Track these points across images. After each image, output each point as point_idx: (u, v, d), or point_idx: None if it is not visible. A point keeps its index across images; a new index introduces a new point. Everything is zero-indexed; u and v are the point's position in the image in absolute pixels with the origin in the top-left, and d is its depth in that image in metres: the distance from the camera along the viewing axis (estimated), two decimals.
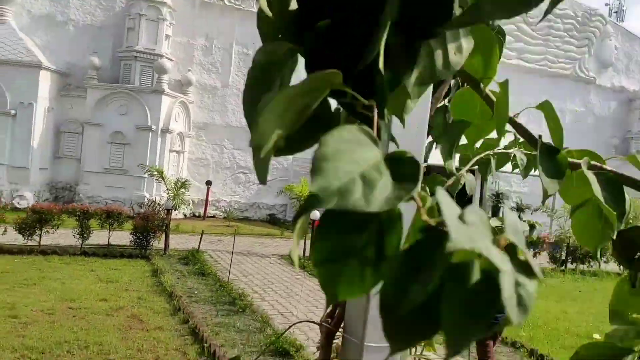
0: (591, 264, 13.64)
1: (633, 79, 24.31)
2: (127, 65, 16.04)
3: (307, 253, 11.68)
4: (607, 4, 43.13)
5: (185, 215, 16.43)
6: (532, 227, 12.32)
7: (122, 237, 10.09)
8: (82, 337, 5.24)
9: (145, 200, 12.95)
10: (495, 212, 21.50)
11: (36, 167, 15.03)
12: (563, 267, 13.16)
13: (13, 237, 9.12)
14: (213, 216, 17.68)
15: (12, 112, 14.55)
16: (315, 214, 11.51)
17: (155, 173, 11.03)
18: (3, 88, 14.39)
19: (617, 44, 23.88)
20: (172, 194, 12.22)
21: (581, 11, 23.06)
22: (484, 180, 20.34)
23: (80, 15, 16.37)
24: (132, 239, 9.69)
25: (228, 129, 18.13)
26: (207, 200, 17.16)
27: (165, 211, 10.17)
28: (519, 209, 20.59)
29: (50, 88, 15.25)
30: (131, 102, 15.43)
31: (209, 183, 16.76)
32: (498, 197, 21.48)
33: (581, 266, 13.59)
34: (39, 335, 5.10)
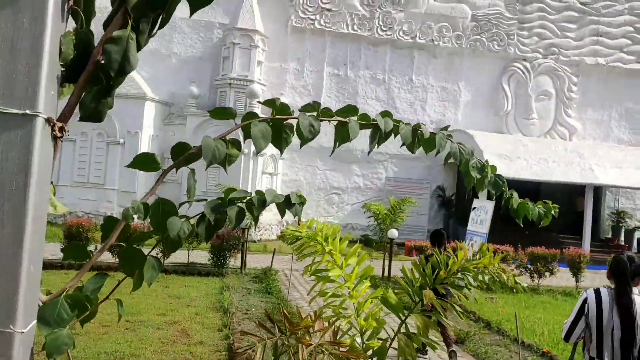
0: None
1: None
2: (222, 92, 16.87)
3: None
4: None
5: (277, 237, 16.74)
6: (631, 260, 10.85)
7: (204, 256, 10.46)
8: (122, 348, 5.44)
9: None
10: (615, 231, 19.45)
11: (142, 191, 16.20)
12: None
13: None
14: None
15: (121, 140, 15.88)
16: (393, 233, 11.12)
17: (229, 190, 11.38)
18: (113, 119, 15.77)
19: None
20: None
21: None
22: (601, 197, 18.58)
23: (182, 48, 17.58)
24: (209, 258, 10.00)
25: (320, 150, 18.28)
26: (299, 220, 17.31)
27: (242, 230, 10.41)
28: None
29: (154, 117, 16.47)
30: (225, 128, 16.10)
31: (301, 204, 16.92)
32: (619, 215, 19.39)
33: None
34: (83, 346, 5.37)
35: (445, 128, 1.85)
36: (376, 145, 1.67)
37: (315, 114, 1.53)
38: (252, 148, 16.04)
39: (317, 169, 18.44)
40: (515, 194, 1.99)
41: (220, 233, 10.30)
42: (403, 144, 1.82)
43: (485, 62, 19.26)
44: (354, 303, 2.75)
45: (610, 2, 19.73)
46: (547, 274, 11.31)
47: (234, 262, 10.34)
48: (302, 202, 1.77)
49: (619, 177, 16.98)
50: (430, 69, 19.02)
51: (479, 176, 1.86)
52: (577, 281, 11.64)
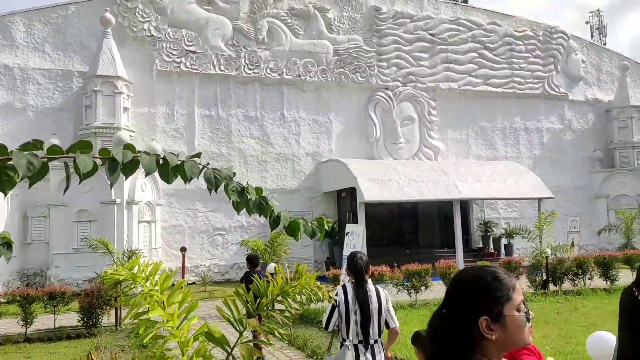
0: (575, 282, 13.05)
1: (606, 89, 24.19)
2: None
3: None
4: (587, 22, 43.77)
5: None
6: None
7: (74, 317, 9.75)
8: None
9: (95, 275, 12.67)
10: (485, 241, 20.96)
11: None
12: (544, 290, 12.56)
13: None
14: (193, 283, 17.30)
15: None
16: (271, 267, 11.14)
17: (100, 245, 10.79)
18: None
19: (583, 57, 23.91)
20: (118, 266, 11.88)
21: (541, 30, 23.23)
22: (468, 210, 19.93)
23: (38, 100, 16.61)
24: (79, 318, 9.35)
25: (199, 192, 17.98)
26: (183, 267, 16.80)
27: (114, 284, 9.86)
28: (508, 235, 20.01)
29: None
30: (94, 179, 15.35)
31: (183, 249, 16.43)
32: (486, 225, 20.97)
33: (565, 285, 13.01)
34: None
35: (198, 155, 1.90)
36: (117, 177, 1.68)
37: (39, 152, 1.51)
38: (125, 197, 15.44)
39: (198, 212, 18.08)
40: (284, 214, 2.11)
41: (90, 289, 9.69)
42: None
43: (352, 92, 20.23)
44: (178, 342, 2.71)
45: (455, 32, 21.69)
46: (422, 288, 11.88)
47: (108, 319, 9.75)
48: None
49: (480, 190, 18.44)
50: (300, 103, 19.59)
51: (238, 199, 1.94)
52: None
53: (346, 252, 10.88)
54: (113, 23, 16.69)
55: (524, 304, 1.57)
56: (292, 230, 2.05)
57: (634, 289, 1.96)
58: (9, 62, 16.38)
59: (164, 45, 17.72)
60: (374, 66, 20.40)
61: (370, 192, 16.98)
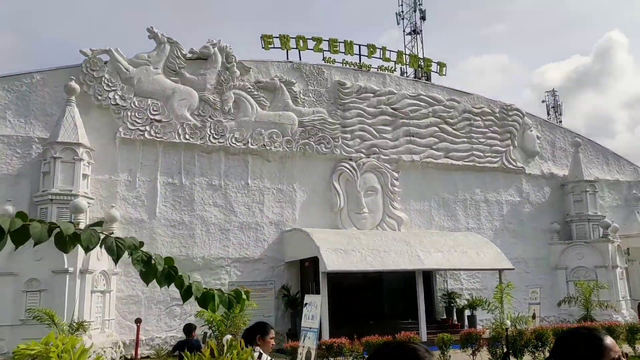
0: (536, 354, 12.97)
1: (561, 164, 25.15)
2: (43, 209, 15.74)
3: None
4: (543, 101, 46.07)
5: None
6: None
7: None
8: None
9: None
10: (449, 312, 20.83)
11: None
12: None
13: None
14: (147, 357, 16.54)
15: None
16: (228, 339, 10.81)
17: (45, 317, 10.27)
18: None
19: (538, 133, 24.97)
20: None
21: (497, 107, 24.32)
22: (432, 280, 19.91)
23: None
24: None
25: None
26: (137, 339, 16.10)
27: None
28: (471, 306, 19.94)
29: None
30: (46, 247, 14.80)
31: (138, 321, 15.78)
32: (449, 296, 20.90)
33: (526, 358, 12.90)
34: None
35: (99, 224, 1.88)
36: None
37: None
38: (79, 266, 14.95)
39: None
40: (197, 284, 2.07)
41: None
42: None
43: (316, 163, 20.51)
44: None
45: (416, 107, 22.52)
46: None
47: None
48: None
49: (442, 260, 18.55)
50: (264, 172, 19.72)
51: (144, 269, 1.91)
52: None
53: (304, 323, 10.64)
54: (78, 91, 16.78)
55: None
56: (206, 301, 2.01)
57: None
58: None
59: (129, 113, 17.83)
60: (338, 138, 20.85)
61: (333, 261, 16.87)
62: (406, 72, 28.24)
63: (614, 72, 71.51)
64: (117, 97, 17.77)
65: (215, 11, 65.65)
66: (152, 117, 18.13)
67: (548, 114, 44.41)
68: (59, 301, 14.35)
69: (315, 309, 10.10)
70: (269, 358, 4.86)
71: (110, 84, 17.77)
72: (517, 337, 12.81)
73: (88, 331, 13.83)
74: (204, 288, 2.08)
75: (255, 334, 4.94)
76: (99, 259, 15.83)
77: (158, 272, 1.95)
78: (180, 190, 18.40)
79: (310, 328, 10.20)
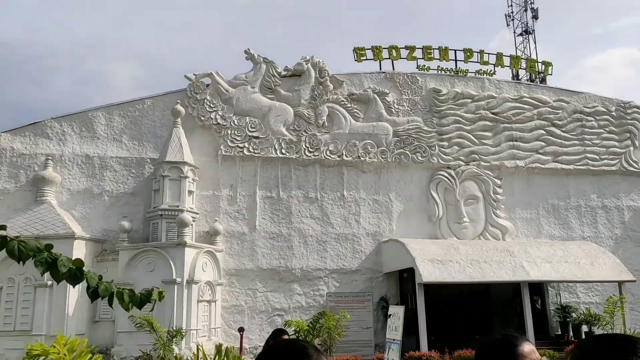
0: None
1: None
2: (155, 224, 17.06)
3: None
4: None
5: None
6: None
7: None
8: None
9: (141, 353, 12.91)
10: (563, 327, 19.36)
11: (72, 333, 15.59)
12: None
13: None
14: None
15: (49, 283, 15.58)
16: None
17: (145, 323, 11.09)
18: None
19: None
20: (159, 345, 12.01)
21: (613, 105, 22.39)
22: (543, 293, 18.71)
23: (114, 186, 17.99)
24: None
25: (259, 272, 18.29)
26: (241, 348, 16.81)
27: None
28: (587, 321, 18.36)
29: (85, 255, 16.34)
30: (158, 259, 16.12)
31: (241, 330, 16.52)
32: (564, 310, 19.42)
33: None
34: None
35: (2, 227, 2.03)
36: None
37: None
38: (186, 276, 15.95)
39: (257, 292, 18.26)
40: (107, 284, 2.18)
41: None
42: None
43: (412, 172, 20.21)
44: None
45: (520, 110, 21.39)
46: None
47: None
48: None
49: (550, 271, 17.33)
50: (360, 183, 19.79)
51: (47, 270, 2.03)
52: None
53: (389, 334, 10.51)
54: (183, 114, 18.06)
55: None
56: (118, 299, 2.11)
57: None
58: (90, 152, 18.04)
59: (229, 132, 18.83)
60: (435, 146, 20.39)
61: (429, 272, 16.45)
62: (516, 76, 26.92)
63: None
64: (218, 117, 18.86)
65: (312, 27, 67.37)
66: (250, 134, 18.99)
67: None
68: (168, 309, 15.43)
69: (399, 320, 9.94)
70: None
71: (211, 105, 18.91)
72: None
73: (193, 338, 14.70)
74: (116, 287, 2.19)
75: (270, 338, 5.49)
76: (204, 270, 16.81)
77: (62, 273, 2.08)
78: (278, 204, 19.02)
79: (393, 340, 10.05)
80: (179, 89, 19.10)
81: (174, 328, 13.35)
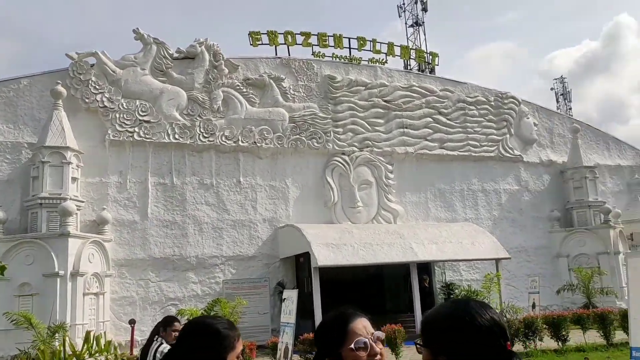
0: (526, 343, 12.80)
1: (559, 151, 24.81)
2: (33, 214, 15.85)
3: None
4: (552, 89, 45.51)
5: None
6: None
7: None
8: None
9: (19, 351, 12.05)
10: None
11: None
12: None
13: None
14: None
15: None
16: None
17: (22, 320, 10.32)
18: None
19: (535, 121, 24.64)
20: (39, 342, 11.24)
21: (492, 96, 24.04)
22: (431, 273, 19.76)
23: None
24: None
25: (152, 262, 17.67)
26: (132, 341, 16.17)
27: None
28: (468, 297, 19.70)
29: None
30: (38, 251, 15.01)
31: (132, 322, 15.86)
32: (448, 288, 20.73)
33: (517, 347, 12.72)
34: None
35: None
36: None
37: None
38: (70, 269, 15.02)
39: (150, 282, 17.63)
40: None
41: None
42: None
43: (308, 158, 20.43)
44: None
45: (409, 99, 22.33)
46: None
47: None
48: None
49: (436, 252, 18.39)
50: (256, 169, 19.69)
51: None
52: (396, 357, 12.00)
53: (283, 318, 10.60)
54: (64, 95, 16.86)
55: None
56: None
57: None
58: None
59: (117, 115, 17.87)
60: (330, 132, 20.74)
61: (325, 256, 16.80)
62: (407, 65, 27.97)
63: (624, 56, 70.47)
64: (104, 99, 17.82)
65: (206, 10, 65.78)
66: (140, 118, 18.16)
67: (557, 101, 43.85)
68: (50, 304, 14.45)
69: (292, 304, 10.05)
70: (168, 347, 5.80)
71: (97, 86, 17.82)
72: (507, 327, 12.62)
73: (79, 333, 13.90)
74: None
75: (160, 326, 5.62)
76: (91, 261, 15.92)
77: None
78: (171, 191, 18.43)
79: (287, 323, 10.16)
80: (60, 69, 17.78)
81: (55, 323, 12.51)
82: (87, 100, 17.64)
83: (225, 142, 19.17)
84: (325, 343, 1.77)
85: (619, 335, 13.21)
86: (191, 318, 13.32)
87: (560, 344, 12.80)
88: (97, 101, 17.74)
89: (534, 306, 18.80)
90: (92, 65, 18.01)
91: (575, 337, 13.29)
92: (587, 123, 26.91)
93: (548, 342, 12.94)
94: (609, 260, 21.79)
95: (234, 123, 19.43)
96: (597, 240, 22.25)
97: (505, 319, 13.04)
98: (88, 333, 4.10)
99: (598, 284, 20.40)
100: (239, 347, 1.86)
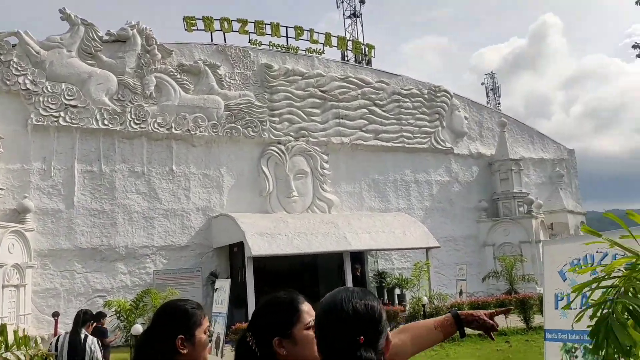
0: None
1: (488, 144, 25.81)
2: None
3: None
4: (482, 84, 47.07)
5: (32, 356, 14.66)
6: None
7: None
8: None
9: None
10: (380, 291, 21.11)
11: None
12: None
13: None
14: None
15: None
16: (137, 329, 10.53)
17: None
18: None
19: (466, 114, 25.50)
20: None
21: (426, 89, 24.64)
22: (364, 261, 20.09)
23: None
24: None
25: (78, 252, 17.00)
26: (56, 334, 15.50)
27: None
28: (399, 285, 20.26)
29: None
30: None
31: (55, 315, 15.25)
32: (380, 276, 21.18)
33: None
34: None
35: None
36: None
37: None
38: None
39: (76, 273, 16.96)
40: None
41: None
42: None
43: (244, 147, 20.22)
44: None
45: (346, 89, 22.52)
46: None
47: None
48: None
49: (369, 241, 18.73)
50: (190, 157, 19.29)
51: None
52: None
53: (215, 308, 10.51)
54: None
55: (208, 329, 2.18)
56: None
57: (248, 334, 1.83)
58: None
59: (41, 99, 16.99)
60: (266, 121, 20.61)
61: (259, 246, 16.74)
62: (346, 56, 28.12)
63: (549, 54, 74.09)
64: (27, 81, 16.88)
65: None
66: (66, 102, 17.35)
67: (487, 96, 45.44)
68: None
69: (225, 294, 9.97)
70: (94, 339, 6.35)
71: (19, 68, 16.85)
72: (434, 313, 13.08)
73: None
74: None
75: (87, 319, 6.22)
76: (11, 251, 15.12)
77: None
78: (99, 178, 17.75)
79: (219, 313, 10.07)
80: None
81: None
82: (7, 82, 16.66)
83: (157, 129, 18.65)
84: (275, 322, 1.73)
85: (537, 319, 13.96)
86: (117, 309, 12.95)
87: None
88: (19, 83, 16.79)
89: (461, 293, 19.56)
90: (13, 46, 17.01)
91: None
92: (514, 117, 28.13)
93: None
94: (531, 249, 22.95)
95: (167, 110, 18.94)
96: (520, 229, 23.37)
97: (433, 305, 13.51)
98: (3, 326, 3.82)
99: (520, 271, 21.45)
100: (205, 324, 2.16)
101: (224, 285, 10.02)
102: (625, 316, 1.76)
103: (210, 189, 19.48)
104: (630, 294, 1.67)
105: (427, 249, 19.57)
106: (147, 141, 18.62)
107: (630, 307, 1.70)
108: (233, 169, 19.98)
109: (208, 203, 19.35)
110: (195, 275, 18.23)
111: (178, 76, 19.41)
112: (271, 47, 21.74)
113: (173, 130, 18.88)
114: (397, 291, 20.63)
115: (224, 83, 20.19)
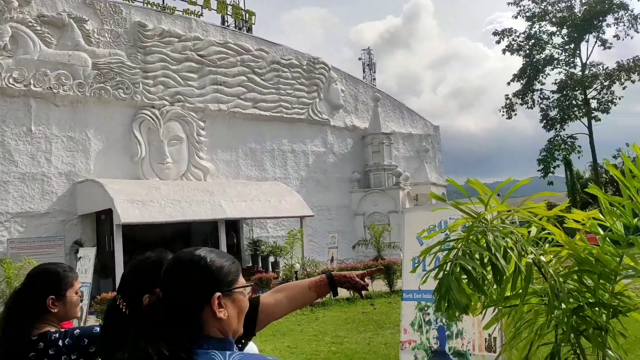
0: None
1: (362, 117, 26.81)
2: None
3: None
4: (360, 59, 48.21)
5: None
6: None
7: None
8: None
9: None
10: (254, 259, 21.36)
11: None
12: None
13: None
14: None
15: None
16: None
17: None
18: None
19: (343, 87, 26.19)
20: None
21: (305, 60, 24.86)
22: (239, 229, 20.02)
23: None
24: None
25: None
26: None
27: None
28: (273, 253, 20.63)
29: None
30: None
31: None
32: (255, 244, 21.39)
33: None
34: None
35: None
36: None
37: None
38: None
39: None
40: None
41: None
42: None
43: (114, 109, 19.08)
44: None
45: (225, 55, 22.01)
46: None
47: None
48: None
49: (245, 209, 18.78)
50: (52, 118, 17.82)
51: None
52: None
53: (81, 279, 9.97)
54: None
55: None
56: None
57: (119, 297, 1.81)
58: None
59: None
60: (139, 83, 19.57)
61: (129, 213, 16.06)
62: (227, 22, 27.31)
63: (421, 34, 77.91)
64: None
65: None
66: None
67: (364, 71, 46.88)
68: None
69: (89, 262, 9.49)
70: None
71: None
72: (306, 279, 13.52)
73: None
74: None
75: None
76: None
77: None
78: None
79: (83, 283, 9.57)
80: None
81: None
82: None
83: (13, 85, 16.94)
84: (144, 281, 1.68)
85: (400, 283, 15.00)
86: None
87: (352, 293, 14.11)
88: None
89: (332, 260, 20.39)
90: None
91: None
92: (387, 93, 29.42)
93: (342, 292, 14.17)
94: (398, 218, 24.42)
95: (25, 64, 17.24)
96: (388, 200, 24.76)
97: (306, 272, 13.96)
98: None
99: (387, 239, 22.80)
100: (77, 285, 2.29)
101: (88, 254, 9.53)
102: (463, 276, 1.98)
103: (75, 152, 18.20)
104: (467, 255, 1.88)
105: (302, 218, 20.05)
106: (1, 97, 16.86)
107: (468, 268, 1.92)
108: (101, 132, 18.81)
109: (73, 167, 18.10)
110: (57, 244, 17.08)
111: (38, 28, 17.69)
112: (145, 4, 20.55)
113: (32, 87, 17.27)
114: (272, 259, 20.99)
115: (92, 39, 18.77)
